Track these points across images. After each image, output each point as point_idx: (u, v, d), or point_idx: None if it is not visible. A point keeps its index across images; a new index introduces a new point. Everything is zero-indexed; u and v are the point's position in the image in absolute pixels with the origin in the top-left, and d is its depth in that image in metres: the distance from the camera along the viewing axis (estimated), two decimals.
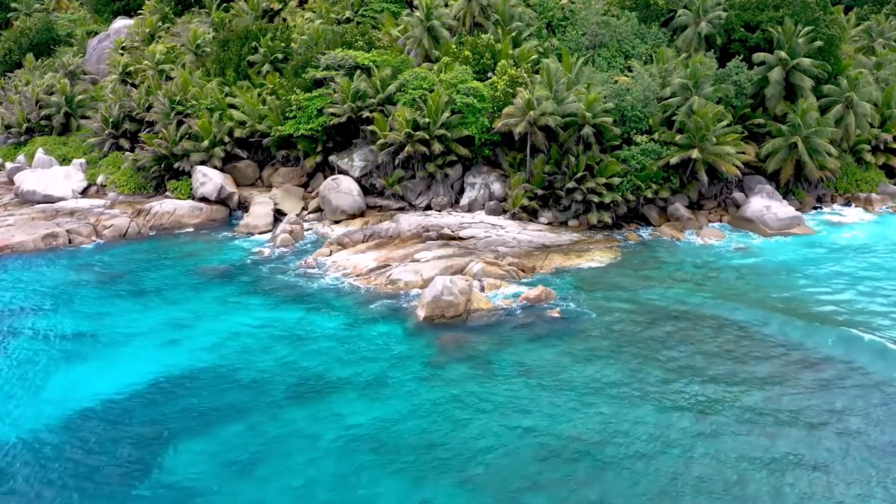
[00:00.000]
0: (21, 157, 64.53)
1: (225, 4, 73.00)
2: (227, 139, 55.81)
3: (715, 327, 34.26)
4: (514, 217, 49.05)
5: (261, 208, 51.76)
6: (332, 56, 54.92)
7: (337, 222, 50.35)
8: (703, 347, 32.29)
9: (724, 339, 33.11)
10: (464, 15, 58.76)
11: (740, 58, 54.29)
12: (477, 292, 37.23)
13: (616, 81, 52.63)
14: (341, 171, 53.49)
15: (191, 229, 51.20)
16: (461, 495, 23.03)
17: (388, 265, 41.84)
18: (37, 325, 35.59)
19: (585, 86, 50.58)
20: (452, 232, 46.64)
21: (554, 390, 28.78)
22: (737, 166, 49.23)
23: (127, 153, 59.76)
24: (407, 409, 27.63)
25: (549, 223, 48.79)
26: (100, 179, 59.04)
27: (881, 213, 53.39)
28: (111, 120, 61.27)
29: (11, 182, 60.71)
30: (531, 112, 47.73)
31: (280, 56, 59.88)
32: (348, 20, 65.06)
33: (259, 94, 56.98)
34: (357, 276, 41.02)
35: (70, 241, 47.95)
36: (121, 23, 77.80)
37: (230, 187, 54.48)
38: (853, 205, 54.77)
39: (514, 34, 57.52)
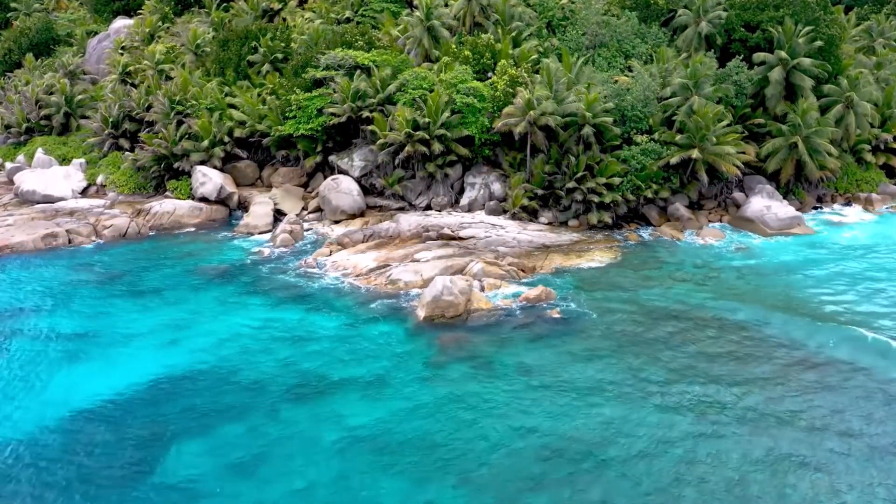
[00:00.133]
0: (21, 157, 64.47)
1: (225, 4, 72.95)
2: (226, 139, 55.77)
3: (715, 327, 34.25)
4: (514, 217, 49.02)
5: (261, 208, 51.72)
6: (332, 56, 54.88)
7: (337, 222, 50.31)
8: (704, 347, 32.27)
9: (724, 339, 33.09)
10: (464, 15, 58.73)
11: (740, 58, 54.28)
12: (477, 292, 37.20)
13: (616, 81, 52.60)
14: (341, 171, 53.45)
15: (191, 229, 51.14)
16: (462, 496, 22.99)
17: (388, 265, 41.80)
18: (36, 326, 35.53)
19: (585, 86, 50.55)
20: (452, 232, 46.60)
21: (554, 390, 28.74)
22: (737, 166, 49.21)
23: (127, 153, 59.72)
24: (407, 409, 27.60)
25: (549, 223, 48.75)
26: (99, 179, 59.00)
27: (881, 212, 53.40)
28: (111, 120, 61.22)
29: (11, 182, 60.66)
30: (531, 112, 47.69)
31: (280, 56, 59.84)
32: (348, 20, 65.03)
33: (259, 94, 56.93)
34: (357, 276, 40.98)
35: (70, 241, 47.89)
36: (120, 23, 77.76)
37: (230, 187, 54.44)
38: (853, 205, 54.79)
39: (514, 34, 57.49)
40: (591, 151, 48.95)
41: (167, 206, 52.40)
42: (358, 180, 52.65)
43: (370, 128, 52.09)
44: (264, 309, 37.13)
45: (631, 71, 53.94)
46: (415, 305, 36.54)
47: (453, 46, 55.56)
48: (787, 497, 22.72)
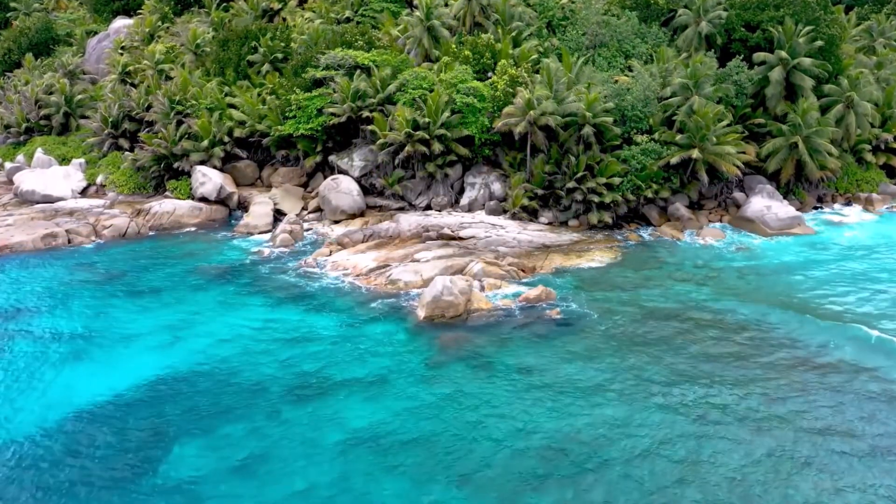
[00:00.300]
0: (20, 157, 64.43)
1: (224, 4, 72.91)
2: (226, 139, 55.73)
3: (716, 327, 34.20)
4: (514, 217, 48.98)
5: (260, 208, 51.68)
6: (332, 56, 54.84)
7: (337, 222, 50.27)
8: (705, 347, 32.23)
9: (725, 339, 33.05)
10: (464, 14, 58.69)
11: (741, 57, 54.25)
12: (477, 292, 37.16)
13: (616, 81, 52.57)
14: (341, 171, 53.41)
15: (190, 229, 51.10)
16: (464, 496, 22.93)
17: (388, 265, 41.76)
18: (36, 326, 35.47)
19: (586, 85, 50.52)
20: (452, 232, 46.56)
21: (555, 390, 28.70)
22: (737, 166, 49.18)
23: (126, 153, 59.69)
24: (408, 409, 27.55)
25: (549, 223, 48.72)
26: (99, 179, 58.97)
27: (882, 212, 53.39)
28: (110, 120, 61.18)
29: (11, 182, 60.62)
30: (531, 112, 47.65)
31: (280, 56, 59.80)
32: (348, 20, 64.98)
33: (259, 94, 56.89)
34: (357, 276, 40.94)
35: (69, 241, 47.85)
36: (120, 22, 77.73)
37: (230, 187, 54.40)
38: (854, 205, 54.76)
39: (514, 34, 57.45)
40: (591, 151, 48.91)
41: (167, 206, 52.37)
42: (358, 180, 52.61)
43: (370, 128, 52.05)
44: (264, 309, 37.08)
45: (631, 71, 53.91)
46: (415, 305, 36.50)
47: (453, 46, 55.53)
48: (789, 497, 22.66)
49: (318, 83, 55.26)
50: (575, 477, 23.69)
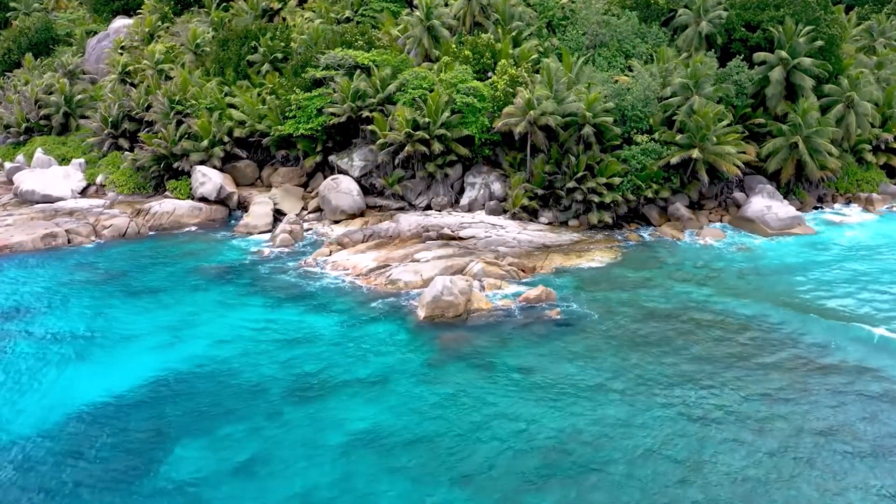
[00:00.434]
0: (20, 157, 64.35)
1: (224, 4, 72.84)
2: (226, 139, 55.68)
3: (717, 327, 34.16)
4: (514, 217, 48.95)
5: (260, 208, 51.63)
6: (332, 56, 54.79)
7: (337, 222, 50.23)
8: (706, 347, 32.19)
9: (726, 339, 33.01)
10: (464, 14, 58.65)
11: (741, 57, 54.24)
12: (477, 292, 37.11)
13: (616, 81, 52.54)
14: (341, 171, 53.37)
15: (190, 229, 51.05)
16: (466, 496, 22.88)
17: (388, 265, 41.71)
18: (36, 326, 35.41)
19: (586, 85, 50.49)
20: (452, 232, 46.52)
21: (556, 390, 28.66)
22: (737, 166, 49.16)
23: (126, 153, 59.63)
24: (407, 409, 27.50)
25: (549, 223, 48.68)
26: (99, 179, 58.91)
27: (882, 212, 53.39)
28: (110, 120, 61.12)
29: (10, 182, 60.55)
30: (531, 112, 47.62)
31: (280, 56, 59.75)
32: (348, 20, 64.93)
33: (259, 94, 56.83)
34: (357, 275, 40.90)
35: (69, 241, 47.78)
36: (120, 22, 77.65)
37: (230, 187, 54.34)
38: (854, 204, 54.76)
39: (514, 34, 57.42)
40: (591, 151, 48.88)
41: (167, 206, 52.31)
42: (358, 180, 52.57)
43: (370, 128, 52.00)
44: (264, 309, 37.03)
45: (631, 71, 53.88)
46: (415, 305, 36.46)
47: (453, 46, 55.49)
48: (791, 498, 22.62)
49: (318, 83, 55.21)
50: (577, 477, 23.65)
